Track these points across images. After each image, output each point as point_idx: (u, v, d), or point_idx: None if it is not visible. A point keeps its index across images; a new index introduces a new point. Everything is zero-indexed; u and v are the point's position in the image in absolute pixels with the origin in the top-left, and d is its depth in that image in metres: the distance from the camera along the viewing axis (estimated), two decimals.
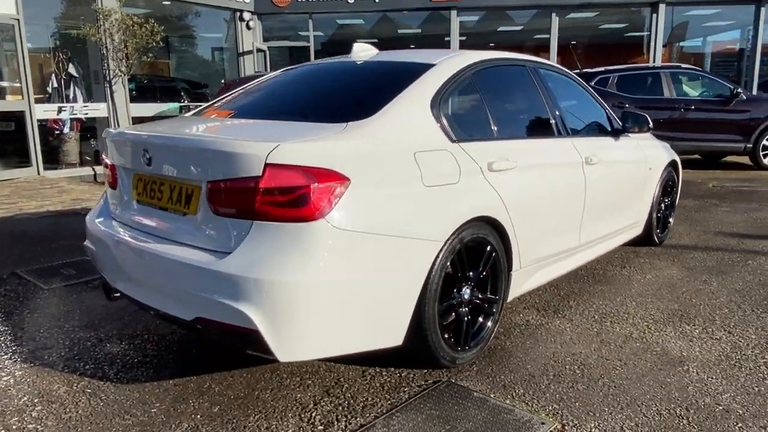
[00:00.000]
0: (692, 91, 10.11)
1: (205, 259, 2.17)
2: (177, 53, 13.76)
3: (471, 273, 2.67)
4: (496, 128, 2.95)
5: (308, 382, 2.58)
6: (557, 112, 3.48)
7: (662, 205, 4.85)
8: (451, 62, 2.86)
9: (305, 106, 2.81)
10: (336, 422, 2.25)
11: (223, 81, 10.13)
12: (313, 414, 2.32)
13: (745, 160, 10.11)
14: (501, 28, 14.86)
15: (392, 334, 2.38)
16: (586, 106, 3.93)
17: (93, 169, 9.76)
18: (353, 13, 12.60)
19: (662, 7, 11.12)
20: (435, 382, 2.54)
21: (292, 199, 2.07)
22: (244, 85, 3.43)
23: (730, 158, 10.71)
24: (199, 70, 13.33)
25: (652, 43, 11.51)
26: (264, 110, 2.88)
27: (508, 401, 2.39)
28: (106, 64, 9.55)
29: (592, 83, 9.01)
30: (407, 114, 2.51)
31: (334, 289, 2.13)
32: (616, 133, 4.04)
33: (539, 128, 3.35)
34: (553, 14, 11.32)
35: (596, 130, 3.93)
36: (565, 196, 3.33)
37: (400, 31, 15.36)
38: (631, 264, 4.37)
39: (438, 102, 2.65)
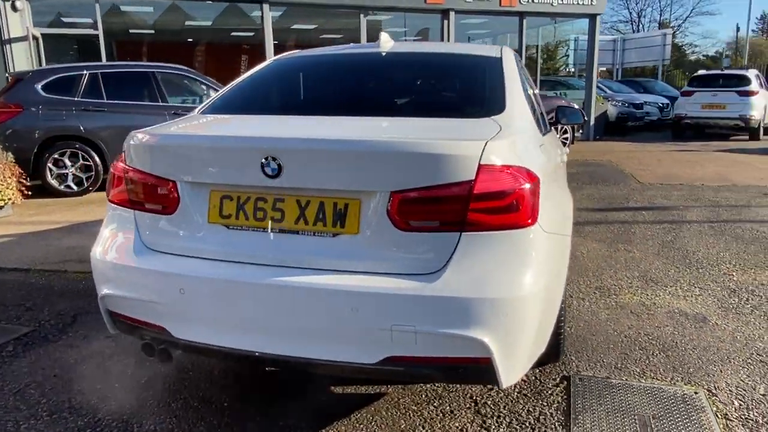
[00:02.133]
0: None
1: (401, 285, 1.78)
2: None
3: None
4: (541, 121, 3.01)
5: (445, 408, 2.31)
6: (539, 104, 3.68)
7: None
8: (507, 54, 2.81)
9: (406, 101, 2.47)
10: None
11: (7, 75, 7.99)
12: None
13: None
14: (296, 26, 14.77)
15: (547, 339, 2.27)
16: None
17: None
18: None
19: (452, 14, 12.40)
20: (564, 379, 2.52)
21: (507, 204, 1.83)
22: (240, 81, 2.82)
23: None
24: None
25: None
26: (352, 106, 2.42)
27: (644, 381, 2.50)
28: None
29: None
30: (523, 107, 2.40)
31: (546, 298, 1.96)
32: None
33: (544, 121, 3.51)
34: (362, 15, 11.70)
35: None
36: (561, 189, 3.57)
37: (187, 23, 14.11)
38: None
39: (525, 95, 2.59)
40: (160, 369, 2.65)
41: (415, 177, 1.80)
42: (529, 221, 1.86)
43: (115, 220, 2.22)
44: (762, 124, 13.35)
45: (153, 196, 2.07)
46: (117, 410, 2.33)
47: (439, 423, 2.21)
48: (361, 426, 2.20)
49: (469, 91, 2.55)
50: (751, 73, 13.75)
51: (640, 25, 46.54)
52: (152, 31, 15.27)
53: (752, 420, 2.21)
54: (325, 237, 1.90)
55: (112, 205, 2.23)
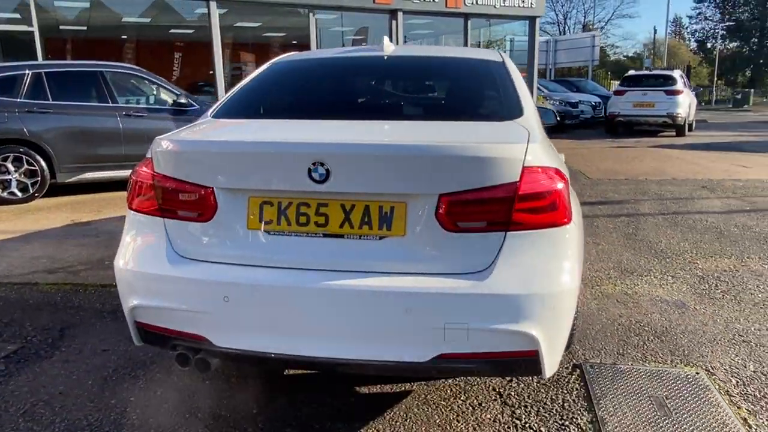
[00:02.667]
0: None
1: (453, 285, 1.84)
2: None
3: None
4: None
5: (473, 402, 2.39)
6: None
7: None
8: (506, 57, 2.92)
9: (431, 104, 2.51)
10: (565, 425, 2.20)
11: None
12: (530, 427, 2.20)
13: None
14: (240, 24, 14.43)
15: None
16: None
17: None
18: None
19: (400, 14, 12.54)
20: (576, 367, 2.66)
21: (547, 204, 1.93)
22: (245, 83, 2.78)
23: None
24: None
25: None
26: (379, 109, 2.44)
27: (648, 365, 2.67)
28: None
29: None
30: (534, 110, 2.52)
31: (578, 290, 2.08)
32: None
33: None
34: (311, 14, 11.62)
35: None
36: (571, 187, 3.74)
37: (124, 19, 13.50)
38: None
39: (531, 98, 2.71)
40: (174, 379, 2.58)
41: (463, 179, 1.86)
42: (566, 220, 1.97)
43: (140, 228, 2.14)
44: (687, 122, 14.32)
45: (187, 203, 2.03)
46: (141, 425, 2.26)
47: (471, 415, 2.29)
48: (398, 424, 2.24)
49: (487, 95, 2.64)
50: (677, 74, 14.72)
51: (566, 27, 48.62)
52: (85, 28, 14.51)
53: (752, 395, 2.42)
54: (371, 240, 1.93)
55: (136, 213, 2.15)
